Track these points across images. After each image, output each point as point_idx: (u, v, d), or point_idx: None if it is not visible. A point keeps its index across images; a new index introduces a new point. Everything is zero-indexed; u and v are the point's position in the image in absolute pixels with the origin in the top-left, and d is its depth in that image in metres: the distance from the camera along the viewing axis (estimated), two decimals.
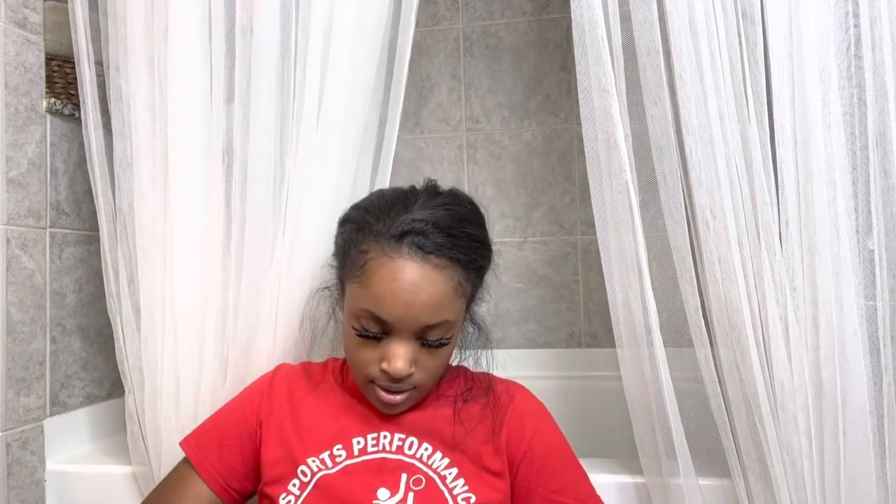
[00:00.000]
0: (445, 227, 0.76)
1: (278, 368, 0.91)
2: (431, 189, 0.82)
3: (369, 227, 0.77)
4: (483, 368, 0.89)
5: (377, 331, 0.76)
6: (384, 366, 0.76)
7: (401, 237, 0.75)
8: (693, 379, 0.89)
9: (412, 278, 0.74)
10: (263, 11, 0.96)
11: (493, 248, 0.84)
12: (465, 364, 0.90)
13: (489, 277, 0.84)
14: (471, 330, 0.87)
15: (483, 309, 0.88)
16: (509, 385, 0.89)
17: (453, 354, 0.85)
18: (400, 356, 0.76)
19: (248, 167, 0.97)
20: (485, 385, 0.87)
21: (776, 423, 0.84)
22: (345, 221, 0.84)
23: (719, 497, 0.90)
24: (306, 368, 0.92)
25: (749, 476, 0.87)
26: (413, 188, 0.83)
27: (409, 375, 0.77)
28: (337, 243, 0.85)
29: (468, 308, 0.83)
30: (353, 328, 0.78)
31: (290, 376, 0.90)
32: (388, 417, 0.84)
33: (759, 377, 0.84)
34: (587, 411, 1.59)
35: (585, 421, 1.55)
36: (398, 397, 0.79)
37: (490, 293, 0.86)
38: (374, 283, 0.75)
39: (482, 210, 0.84)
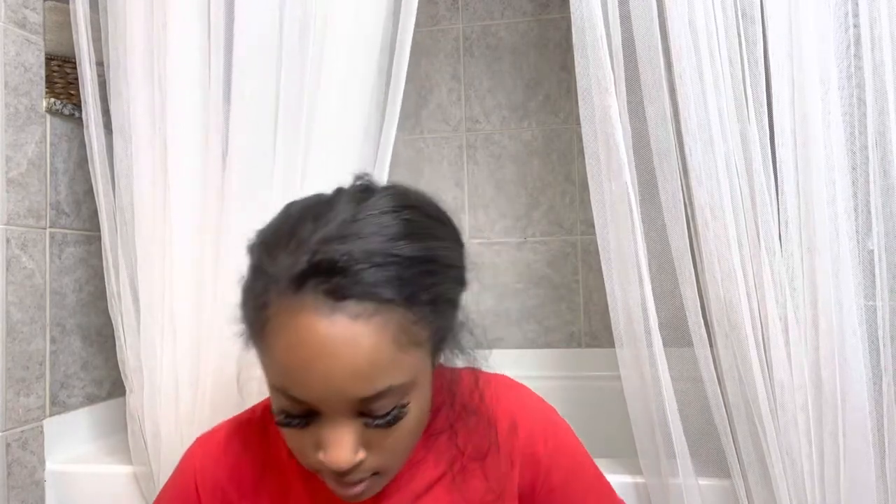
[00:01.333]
0: (366, 253, 0.53)
1: (194, 469, 0.68)
2: (356, 194, 0.58)
3: (264, 268, 0.55)
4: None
5: (300, 412, 0.55)
6: (321, 457, 0.56)
7: (302, 280, 0.52)
8: (693, 379, 0.89)
9: (321, 340, 0.52)
10: (261, 10, 0.96)
11: (470, 247, 0.63)
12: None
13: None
14: (459, 364, 0.66)
15: (469, 315, 0.66)
16: (502, 401, 0.69)
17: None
18: (336, 444, 0.55)
19: (246, 168, 0.97)
20: (483, 423, 0.68)
21: (776, 423, 0.84)
22: (249, 254, 0.60)
23: (719, 497, 0.90)
24: (238, 440, 0.69)
25: (749, 476, 0.87)
26: (333, 195, 0.59)
27: (359, 464, 0.56)
28: (242, 286, 0.60)
29: (437, 352, 0.61)
30: (274, 414, 0.58)
31: (218, 478, 0.68)
32: (378, 494, 0.64)
33: (758, 377, 0.84)
34: (587, 411, 1.58)
35: (585, 421, 1.54)
36: (356, 488, 0.58)
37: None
38: (278, 352, 0.54)
39: (439, 208, 0.62)
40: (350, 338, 0.52)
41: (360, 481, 0.58)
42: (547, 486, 0.69)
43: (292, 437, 0.58)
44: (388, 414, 0.55)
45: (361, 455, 0.56)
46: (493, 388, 0.71)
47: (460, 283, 0.62)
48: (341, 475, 0.56)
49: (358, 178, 0.62)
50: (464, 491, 0.67)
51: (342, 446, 0.55)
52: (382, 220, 0.55)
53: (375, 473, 0.58)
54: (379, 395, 0.54)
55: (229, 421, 0.73)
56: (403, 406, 0.56)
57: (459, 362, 0.66)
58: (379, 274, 0.53)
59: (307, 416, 0.55)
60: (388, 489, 0.65)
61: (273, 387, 0.56)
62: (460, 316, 0.63)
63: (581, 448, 0.73)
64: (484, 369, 0.71)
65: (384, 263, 0.53)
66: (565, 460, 0.70)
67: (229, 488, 0.67)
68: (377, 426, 0.55)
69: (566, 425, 0.73)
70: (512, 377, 0.77)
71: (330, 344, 0.52)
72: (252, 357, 0.63)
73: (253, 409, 0.73)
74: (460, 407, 0.68)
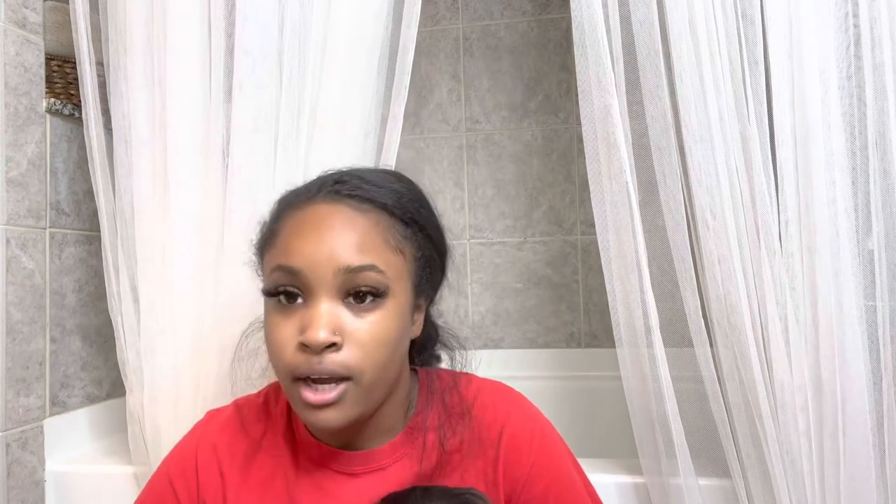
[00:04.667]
0: (367, 181, 0.66)
1: (199, 436, 0.74)
2: (361, 168, 0.73)
3: (287, 201, 0.68)
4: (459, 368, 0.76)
5: (288, 283, 0.62)
6: (301, 338, 0.60)
7: (314, 191, 0.66)
8: (693, 379, 0.89)
9: (322, 216, 0.63)
10: (260, 8, 0.96)
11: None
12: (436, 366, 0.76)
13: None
14: (440, 349, 0.73)
15: (445, 306, 0.75)
16: (495, 407, 0.71)
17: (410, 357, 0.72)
18: (316, 320, 0.60)
19: (247, 168, 0.97)
20: (469, 426, 0.70)
21: (776, 423, 0.84)
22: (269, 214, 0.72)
23: (719, 497, 0.90)
24: (240, 418, 0.74)
25: (749, 476, 0.87)
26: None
27: (334, 346, 0.60)
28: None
29: (418, 282, 0.67)
30: (265, 293, 0.64)
31: (215, 447, 0.72)
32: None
33: (759, 377, 0.84)
34: (587, 411, 1.59)
35: (585, 421, 1.55)
36: (329, 395, 0.60)
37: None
38: (284, 236, 0.64)
39: (431, 200, 0.73)
40: (347, 219, 0.63)
41: (332, 387, 0.60)
42: (527, 495, 0.68)
43: (280, 331, 0.62)
44: (366, 292, 0.62)
45: (338, 337, 0.60)
46: (487, 395, 0.73)
47: (441, 253, 0.71)
48: (315, 354, 0.59)
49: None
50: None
51: (323, 318, 0.60)
52: (384, 175, 0.69)
53: (348, 379, 0.61)
54: (362, 268, 0.61)
55: (238, 399, 0.78)
56: (382, 293, 0.62)
57: (444, 356, 0.73)
58: (377, 190, 0.65)
59: (294, 295, 0.62)
60: (369, 481, 0.67)
61: (272, 269, 0.63)
62: (439, 303, 0.72)
63: (570, 463, 0.72)
64: (468, 369, 0.75)
65: (382, 188, 0.66)
66: (549, 471, 0.69)
67: (223, 459, 0.72)
68: (358, 302, 0.62)
69: (558, 437, 0.73)
70: (512, 377, 0.80)
71: (329, 220, 0.63)
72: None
73: (260, 393, 0.77)
74: (449, 408, 0.71)
